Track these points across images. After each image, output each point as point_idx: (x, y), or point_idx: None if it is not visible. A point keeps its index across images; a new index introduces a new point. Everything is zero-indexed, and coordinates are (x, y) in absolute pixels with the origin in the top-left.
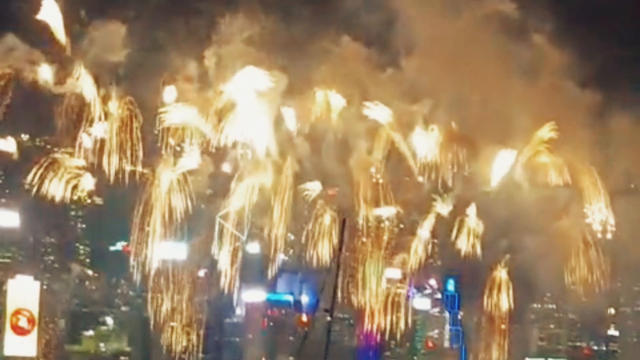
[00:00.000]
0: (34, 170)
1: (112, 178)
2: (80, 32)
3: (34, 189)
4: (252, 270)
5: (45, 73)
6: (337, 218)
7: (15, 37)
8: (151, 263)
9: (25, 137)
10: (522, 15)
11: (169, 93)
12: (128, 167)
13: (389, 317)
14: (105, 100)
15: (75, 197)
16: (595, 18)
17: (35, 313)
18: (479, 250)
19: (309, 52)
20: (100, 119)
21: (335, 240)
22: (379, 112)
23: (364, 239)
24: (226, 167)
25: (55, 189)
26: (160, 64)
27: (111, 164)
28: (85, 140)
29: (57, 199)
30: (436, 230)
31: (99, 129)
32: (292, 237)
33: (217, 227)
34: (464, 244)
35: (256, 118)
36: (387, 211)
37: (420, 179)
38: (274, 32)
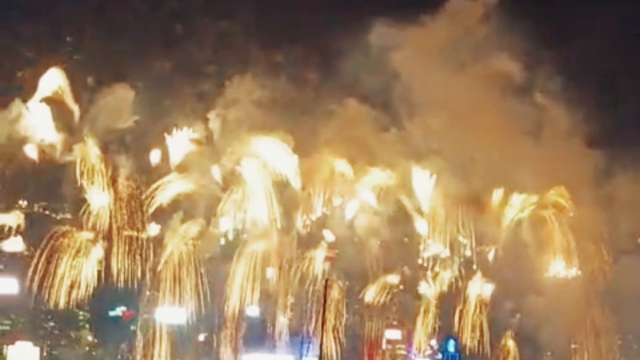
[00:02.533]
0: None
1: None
2: (89, 99)
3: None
4: (253, 333)
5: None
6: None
7: (21, 104)
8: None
9: (23, 202)
10: (528, 75)
11: (176, 155)
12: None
13: None
14: (111, 166)
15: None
16: (601, 79)
17: None
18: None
19: (314, 113)
20: (105, 186)
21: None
22: (383, 174)
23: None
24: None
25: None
26: (167, 128)
27: (120, 233)
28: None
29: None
30: (442, 295)
31: (105, 197)
32: (292, 300)
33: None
34: (469, 312)
35: (260, 185)
36: (392, 278)
37: (428, 241)
38: (281, 95)
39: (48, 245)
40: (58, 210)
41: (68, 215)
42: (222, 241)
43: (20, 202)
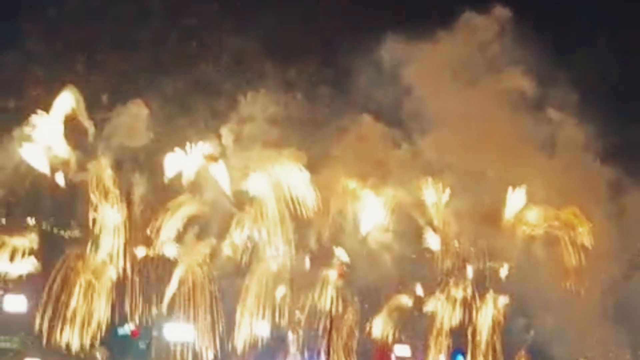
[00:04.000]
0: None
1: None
2: (103, 117)
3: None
4: (263, 351)
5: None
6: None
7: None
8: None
9: (31, 220)
10: (541, 90)
11: (189, 172)
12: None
13: None
14: (125, 185)
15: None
16: (615, 94)
17: None
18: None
19: (326, 130)
20: (118, 205)
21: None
22: (395, 190)
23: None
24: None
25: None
26: (180, 145)
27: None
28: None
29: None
30: (453, 311)
31: (117, 216)
32: (302, 318)
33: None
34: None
35: (273, 201)
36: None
37: (440, 257)
38: (294, 111)
39: (62, 267)
40: (69, 228)
41: (79, 234)
42: (234, 258)
43: (29, 219)
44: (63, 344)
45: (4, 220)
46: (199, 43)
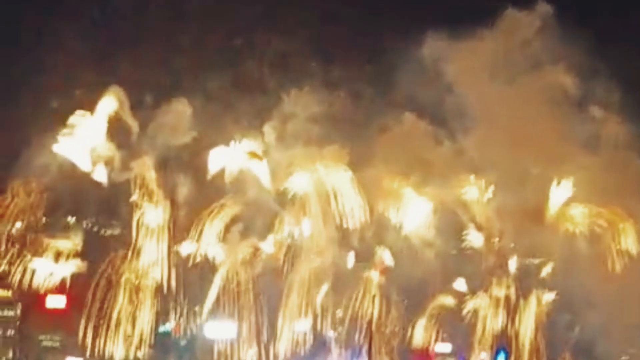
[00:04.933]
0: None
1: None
2: (147, 116)
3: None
4: (304, 348)
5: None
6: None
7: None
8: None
9: (75, 220)
10: (584, 87)
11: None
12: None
13: None
14: (168, 183)
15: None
16: None
17: None
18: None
19: (369, 128)
20: (161, 204)
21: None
22: (438, 188)
23: None
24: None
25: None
26: (224, 143)
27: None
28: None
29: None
30: (496, 308)
31: (160, 215)
32: (342, 314)
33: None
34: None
35: (316, 199)
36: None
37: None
38: (337, 109)
39: (107, 267)
40: (113, 228)
41: (123, 234)
42: (277, 257)
43: (72, 219)
44: (106, 344)
45: (48, 220)
46: (243, 42)
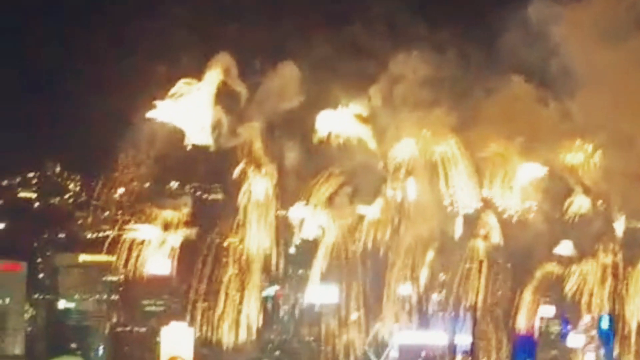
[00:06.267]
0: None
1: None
2: (254, 81)
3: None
4: (407, 312)
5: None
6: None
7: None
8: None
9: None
10: None
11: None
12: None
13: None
14: (276, 149)
15: None
16: None
17: None
18: None
19: (476, 91)
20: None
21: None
22: (545, 151)
23: None
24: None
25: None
26: (331, 107)
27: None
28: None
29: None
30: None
31: (268, 181)
32: (447, 278)
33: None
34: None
35: (422, 164)
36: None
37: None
38: (444, 72)
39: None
40: (220, 194)
41: (229, 200)
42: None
43: (181, 187)
44: (211, 310)
45: (155, 188)
46: (350, 4)
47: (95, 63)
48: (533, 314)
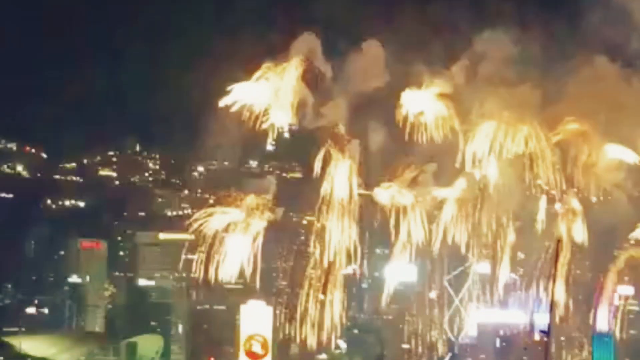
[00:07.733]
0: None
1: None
2: (340, 60)
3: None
4: (484, 290)
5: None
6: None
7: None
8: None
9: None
10: None
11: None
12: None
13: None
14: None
15: None
16: None
17: (269, 338)
18: None
19: (558, 68)
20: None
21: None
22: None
23: None
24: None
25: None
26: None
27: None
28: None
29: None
30: None
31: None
32: (523, 256)
33: None
34: None
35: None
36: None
37: None
38: (528, 50)
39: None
40: (301, 174)
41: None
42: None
43: (260, 165)
44: (291, 287)
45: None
46: None
47: (179, 44)
48: (612, 295)
